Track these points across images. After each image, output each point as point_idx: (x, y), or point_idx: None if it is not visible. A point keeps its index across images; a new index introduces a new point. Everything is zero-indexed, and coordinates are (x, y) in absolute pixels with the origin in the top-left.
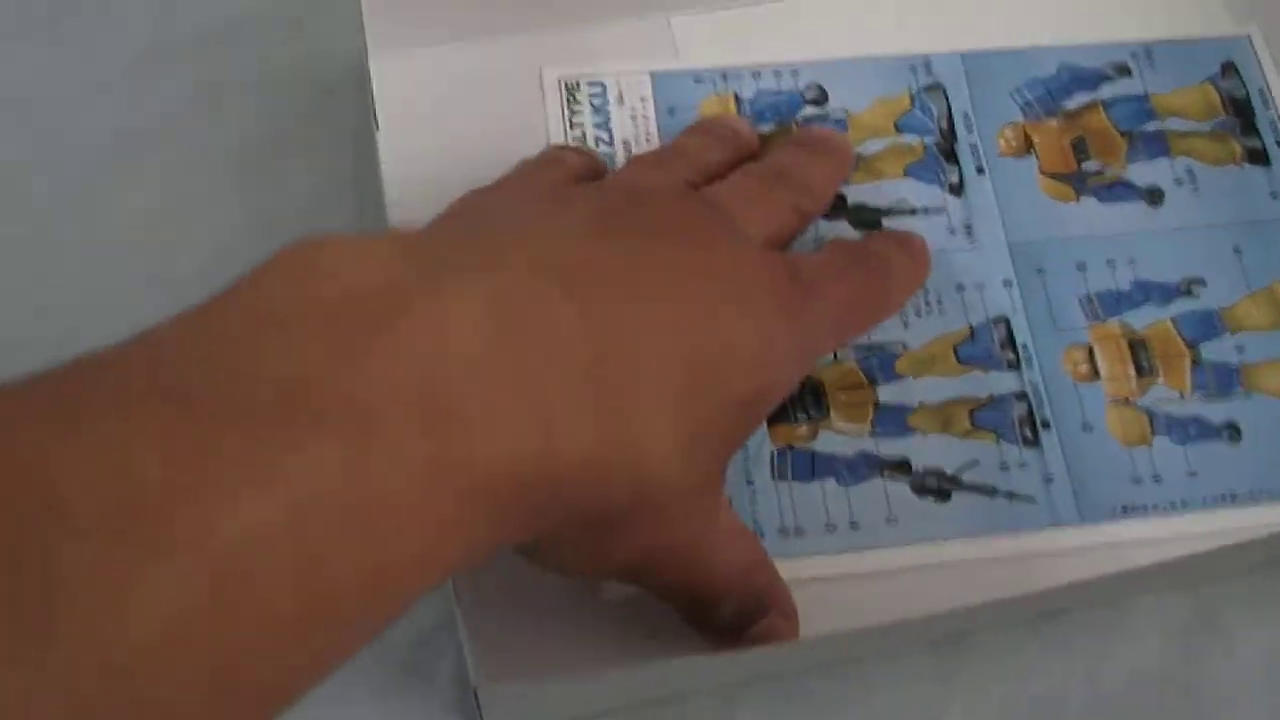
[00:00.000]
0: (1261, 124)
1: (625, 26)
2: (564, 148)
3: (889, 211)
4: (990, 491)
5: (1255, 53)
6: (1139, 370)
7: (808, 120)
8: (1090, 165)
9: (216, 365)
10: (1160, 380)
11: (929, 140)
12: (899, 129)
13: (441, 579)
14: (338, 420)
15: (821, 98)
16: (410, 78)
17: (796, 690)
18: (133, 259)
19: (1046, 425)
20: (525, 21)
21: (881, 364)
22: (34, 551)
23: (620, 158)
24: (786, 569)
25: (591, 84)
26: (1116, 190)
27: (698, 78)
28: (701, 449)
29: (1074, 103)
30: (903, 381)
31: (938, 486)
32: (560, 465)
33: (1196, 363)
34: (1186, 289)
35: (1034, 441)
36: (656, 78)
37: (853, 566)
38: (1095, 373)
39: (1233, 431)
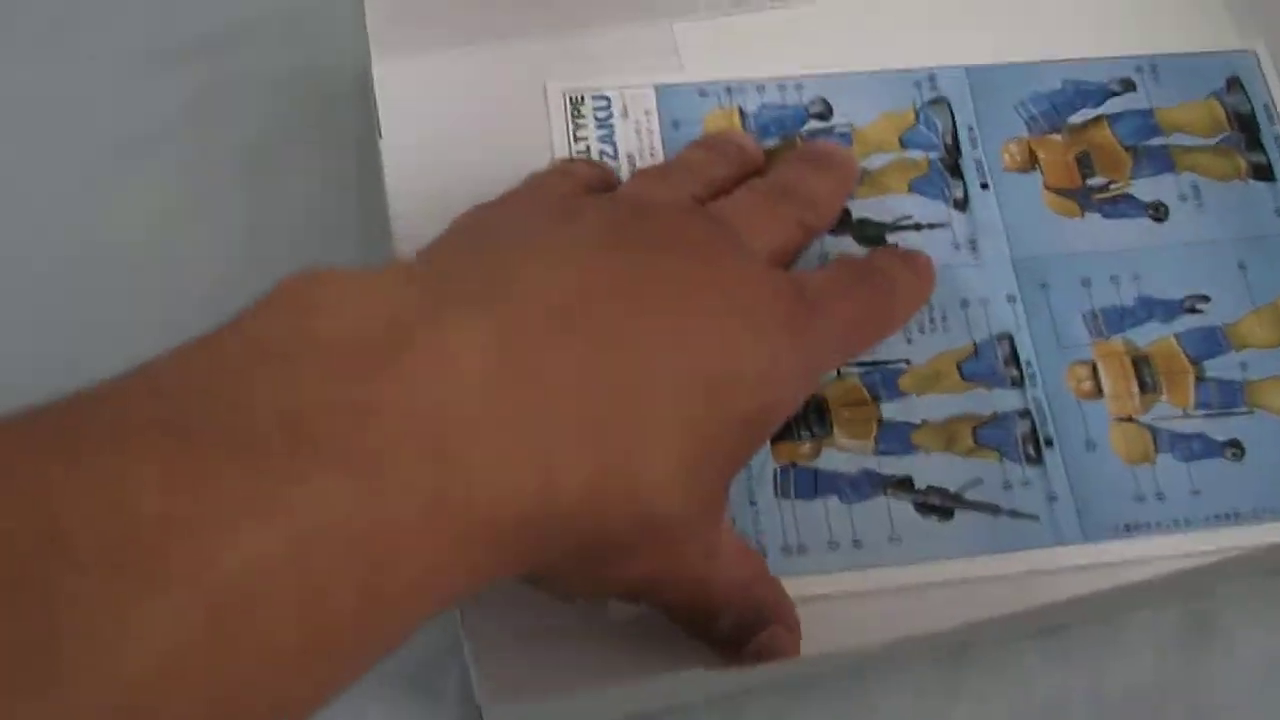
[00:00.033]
0: (1267, 139)
1: (629, 32)
2: (573, 160)
3: (893, 227)
4: (993, 510)
5: (1260, 68)
6: (1142, 387)
7: (812, 134)
8: (1095, 181)
9: (217, 397)
10: (1164, 398)
11: (933, 155)
12: (903, 144)
13: (441, 610)
14: (340, 453)
15: (826, 111)
16: (413, 84)
17: (800, 701)
18: (134, 264)
19: (1049, 443)
20: (529, 27)
21: (885, 380)
22: (35, 585)
23: (625, 171)
24: (789, 587)
25: (596, 97)
26: (1121, 206)
27: (702, 91)
28: (704, 473)
29: (1079, 118)
30: (906, 399)
31: (940, 505)
32: (561, 501)
33: (1200, 379)
34: (1191, 306)
35: (1037, 459)
36: (661, 91)
37: (855, 585)
38: (1099, 390)
39: (1236, 449)
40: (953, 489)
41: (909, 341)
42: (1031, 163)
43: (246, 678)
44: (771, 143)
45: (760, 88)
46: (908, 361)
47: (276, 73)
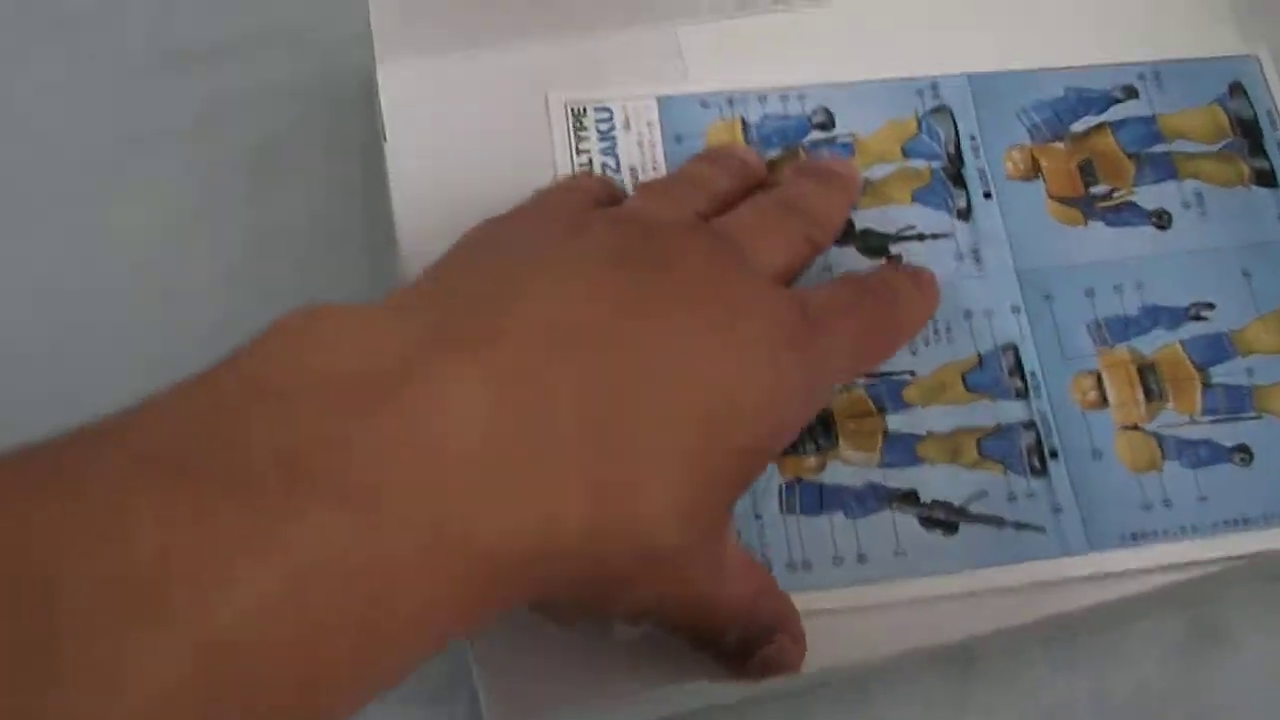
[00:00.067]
0: (1269, 145)
1: (633, 36)
2: (580, 175)
3: (896, 237)
4: (998, 523)
5: (1263, 73)
6: (1148, 395)
7: (815, 145)
8: (1098, 189)
9: (213, 435)
10: (1170, 405)
11: (936, 165)
12: (906, 153)
13: (440, 648)
14: (337, 490)
15: (829, 122)
16: (418, 89)
17: (806, 703)
18: (137, 270)
19: (1054, 455)
20: (533, 31)
21: (890, 392)
22: (30, 629)
23: (628, 184)
24: (795, 603)
25: (598, 109)
26: (1124, 214)
27: (704, 102)
28: (706, 503)
29: (1081, 125)
30: (911, 410)
31: (945, 519)
32: (560, 537)
33: (1207, 386)
34: (1195, 313)
35: (1042, 471)
36: (663, 103)
37: (860, 599)
38: (1104, 400)
39: (1244, 454)
40: (957, 502)
41: (914, 353)
42: (1034, 171)
43: (242, 717)
44: (774, 153)
45: (762, 98)
46: (912, 373)
47: (282, 79)
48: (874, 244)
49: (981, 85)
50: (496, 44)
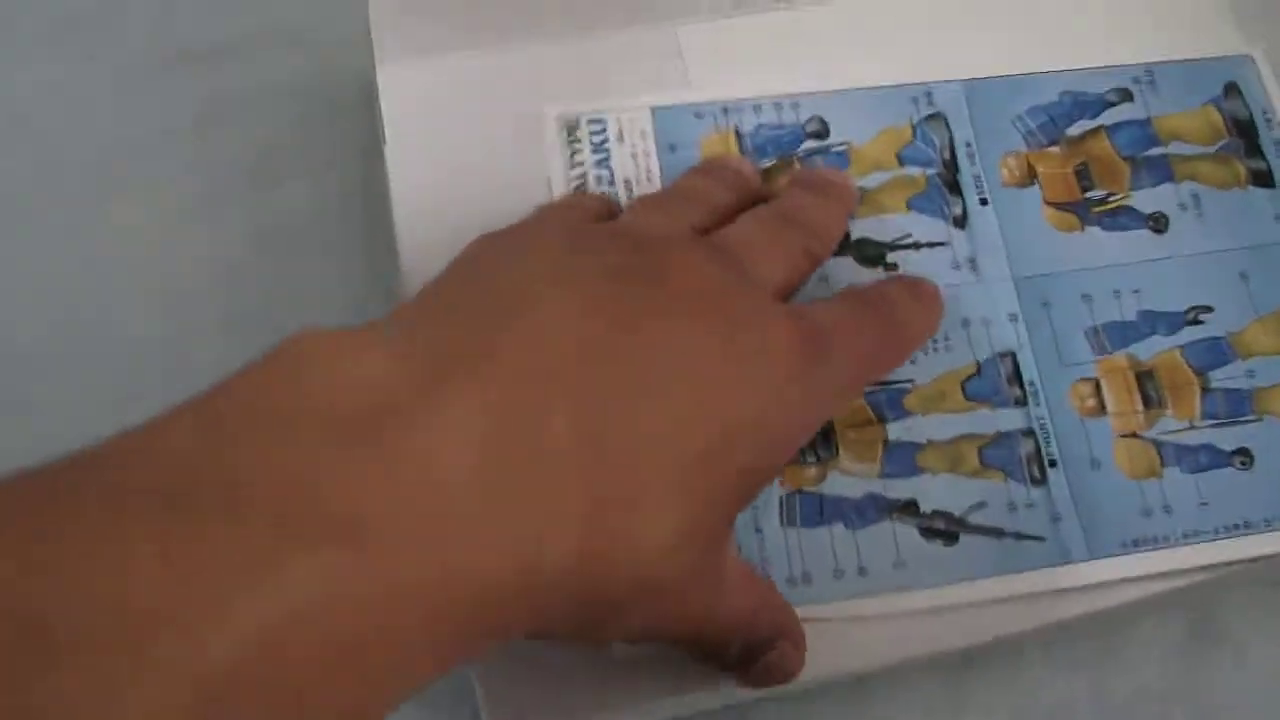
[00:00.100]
0: (1266, 145)
1: (632, 35)
2: (579, 194)
3: (893, 246)
4: (998, 533)
5: (1259, 73)
6: (1146, 402)
7: (809, 154)
8: (1094, 193)
9: (206, 468)
10: (1169, 412)
11: (931, 172)
12: (901, 161)
13: (425, 685)
14: (325, 529)
15: (823, 130)
16: (417, 89)
17: (806, 707)
18: (136, 272)
19: (1054, 463)
20: (533, 31)
21: (890, 401)
22: (20, 664)
23: (622, 195)
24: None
25: (592, 121)
26: (1121, 218)
27: (698, 112)
28: (704, 523)
29: (1076, 129)
30: (911, 418)
31: (945, 529)
32: (548, 572)
33: (1206, 390)
34: (1193, 317)
35: (1041, 480)
36: (657, 113)
37: (860, 611)
38: (1102, 407)
39: (1245, 457)
40: (957, 513)
41: (913, 362)
42: (1030, 177)
43: None
44: (768, 163)
45: (756, 107)
46: (912, 381)
47: (282, 80)
48: (870, 253)
49: (976, 91)
50: (496, 44)
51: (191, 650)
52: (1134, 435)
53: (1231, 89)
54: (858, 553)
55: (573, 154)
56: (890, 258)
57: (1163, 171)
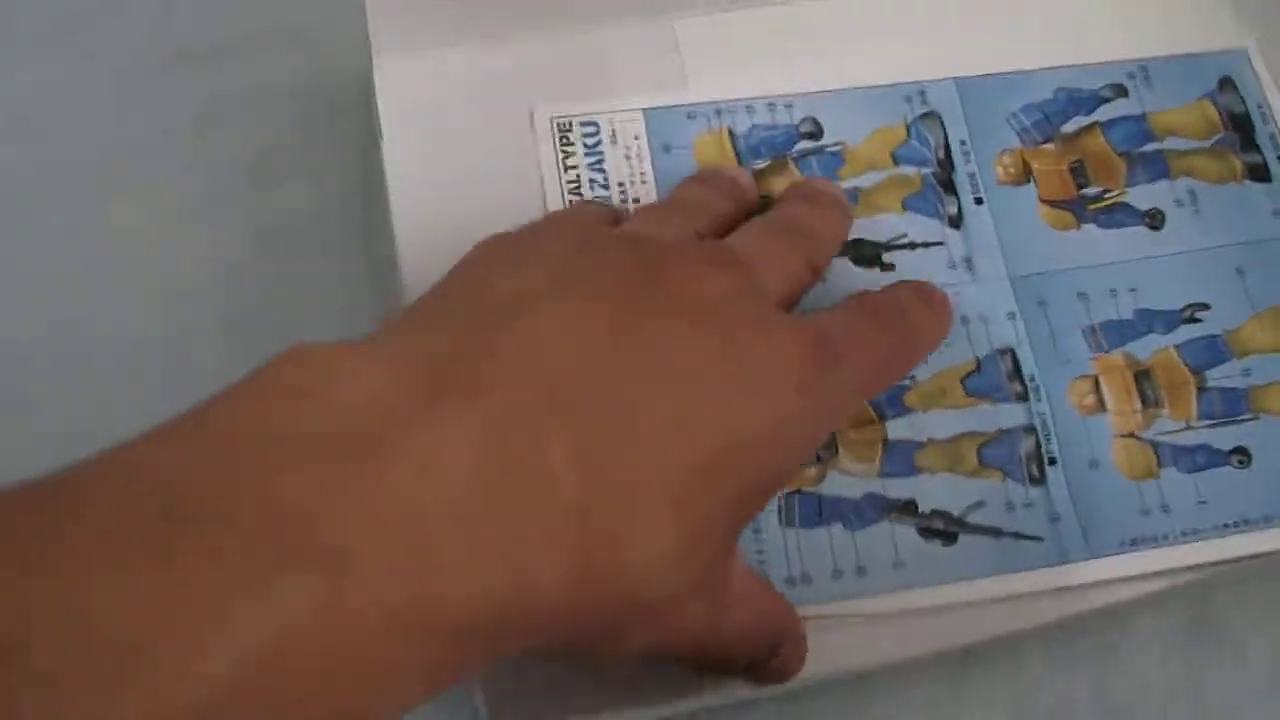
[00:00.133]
0: (1261, 139)
1: (629, 29)
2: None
3: (889, 246)
4: (996, 533)
5: (1252, 66)
6: (1144, 402)
7: (803, 155)
8: (1090, 190)
9: (193, 492)
10: (1165, 412)
11: (926, 171)
12: (896, 160)
13: (418, 704)
14: (309, 557)
15: (817, 131)
16: (414, 84)
17: (805, 704)
18: (134, 269)
19: (1053, 461)
20: (531, 25)
21: (890, 399)
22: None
23: (616, 198)
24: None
25: (584, 124)
26: (1117, 215)
27: (691, 113)
28: (703, 543)
29: (1071, 126)
30: (912, 415)
31: (944, 529)
32: (543, 597)
33: (1202, 389)
34: (1190, 315)
35: (1040, 480)
36: (649, 115)
37: (859, 610)
38: (1101, 405)
39: (1242, 455)
40: (956, 513)
41: None
42: (1025, 175)
43: None
44: (762, 164)
45: (750, 108)
46: (913, 378)
47: (282, 81)
48: (866, 254)
49: (970, 89)
50: (494, 39)
51: (175, 677)
52: (1132, 435)
53: (1226, 83)
54: (856, 553)
55: (566, 157)
56: (886, 258)
57: (1158, 167)
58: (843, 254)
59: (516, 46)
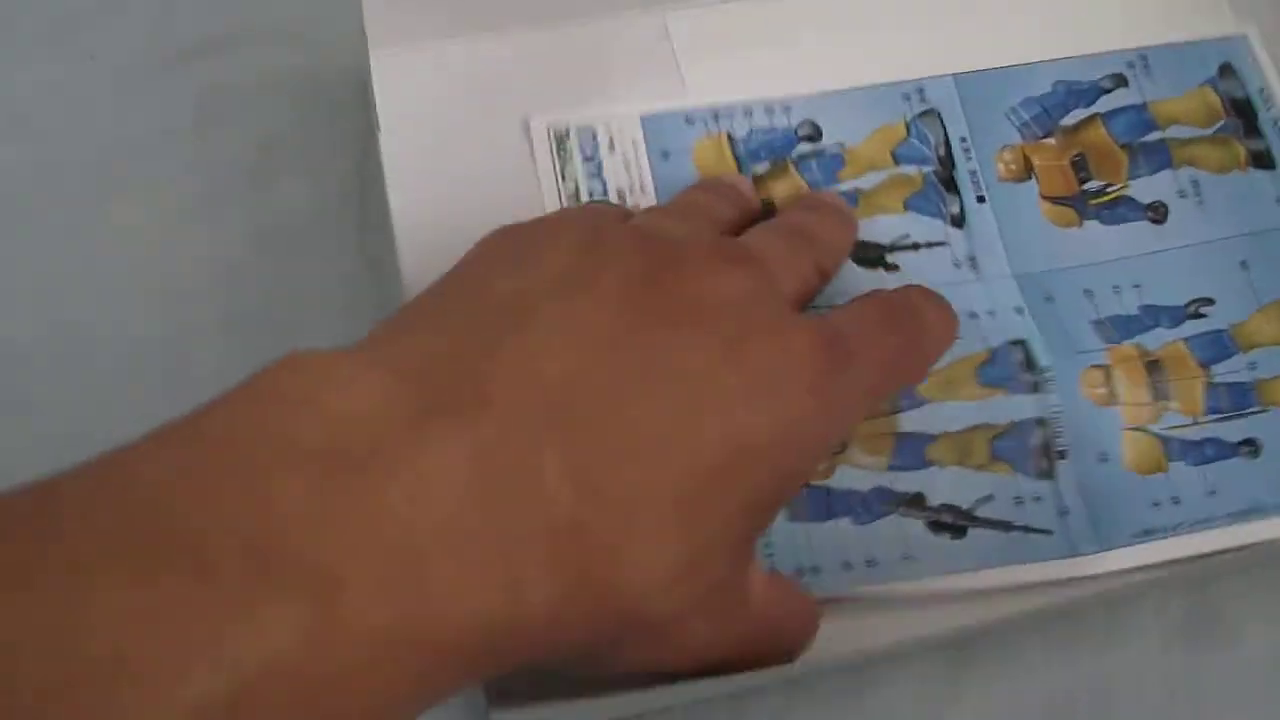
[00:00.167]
0: (1264, 124)
1: (624, 21)
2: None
3: (891, 247)
4: (1006, 527)
5: (1253, 52)
6: (1154, 394)
7: (802, 157)
8: (1092, 185)
9: (178, 512)
10: (1174, 406)
11: (927, 170)
12: (896, 160)
13: None
14: (295, 582)
15: (815, 134)
16: (411, 76)
17: (805, 692)
18: (134, 269)
19: (1063, 455)
20: (525, 17)
21: (903, 390)
22: None
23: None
24: None
25: (581, 131)
26: (1119, 210)
27: (689, 118)
28: (711, 552)
29: (1072, 119)
30: (925, 407)
31: (953, 523)
32: (535, 616)
33: (1210, 384)
34: (1195, 310)
35: (1049, 473)
36: (646, 121)
37: (868, 594)
38: (1113, 395)
39: (1251, 447)
40: (964, 506)
41: None
42: (1027, 171)
43: None
44: (762, 167)
45: (748, 112)
46: None
47: (282, 79)
48: (870, 255)
49: (968, 86)
50: (489, 30)
51: (155, 707)
52: (1141, 429)
53: (1227, 70)
54: (865, 546)
55: (563, 165)
56: (890, 259)
57: (1161, 157)
58: None
59: (513, 38)
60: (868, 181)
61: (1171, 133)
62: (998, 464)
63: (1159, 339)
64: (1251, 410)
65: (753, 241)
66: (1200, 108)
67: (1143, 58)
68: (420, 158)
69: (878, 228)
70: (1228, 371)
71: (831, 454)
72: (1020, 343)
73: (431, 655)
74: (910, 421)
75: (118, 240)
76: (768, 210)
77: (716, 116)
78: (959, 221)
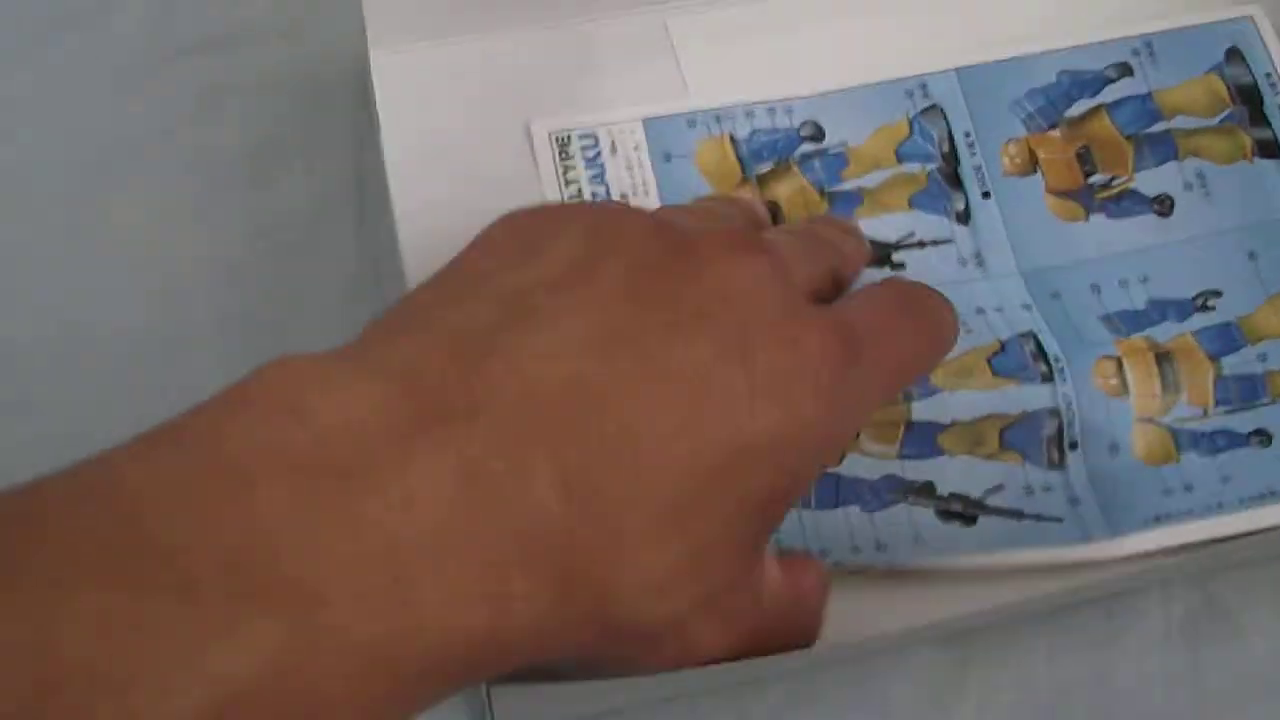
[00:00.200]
0: (1270, 110)
1: (623, 24)
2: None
3: (897, 246)
4: (1017, 515)
5: (1260, 35)
6: (1164, 386)
7: (806, 157)
8: (1097, 178)
9: (159, 529)
10: (1184, 398)
11: (931, 167)
12: (900, 158)
13: None
14: (275, 597)
15: (818, 134)
16: (411, 75)
17: (808, 686)
18: (133, 265)
19: (1074, 446)
20: (525, 17)
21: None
22: None
23: None
24: None
25: (583, 136)
26: (1125, 203)
27: (691, 121)
28: (713, 560)
29: (1076, 110)
30: (937, 396)
31: (963, 511)
32: (519, 632)
33: (1220, 377)
34: (1203, 303)
35: (1059, 464)
36: (649, 124)
37: (879, 569)
38: (1124, 386)
39: (1262, 437)
40: (975, 495)
41: None
42: (1032, 165)
43: None
44: (766, 167)
45: (750, 113)
46: None
47: (278, 75)
48: (877, 253)
49: (971, 79)
50: (489, 28)
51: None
52: (1150, 420)
53: (1233, 54)
54: (874, 531)
55: (566, 170)
56: (896, 257)
57: (1166, 149)
58: None
59: (513, 36)
60: (871, 180)
61: (1177, 123)
62: (1008, 453)
63: (1167, 332)
64: (1262, 402)
65: (769, 236)
66: (1206, 96)
67: (1148, 44)
68: (422, 156)
69: (883, 226)
70: (1237, 363)
71: (843, 446)
72: (1030, 335)
73: (415, 669)
74: (922, 410)
75: (117, 240)
76: (774, 216)
77: (719, 118)
78: (964, 218)
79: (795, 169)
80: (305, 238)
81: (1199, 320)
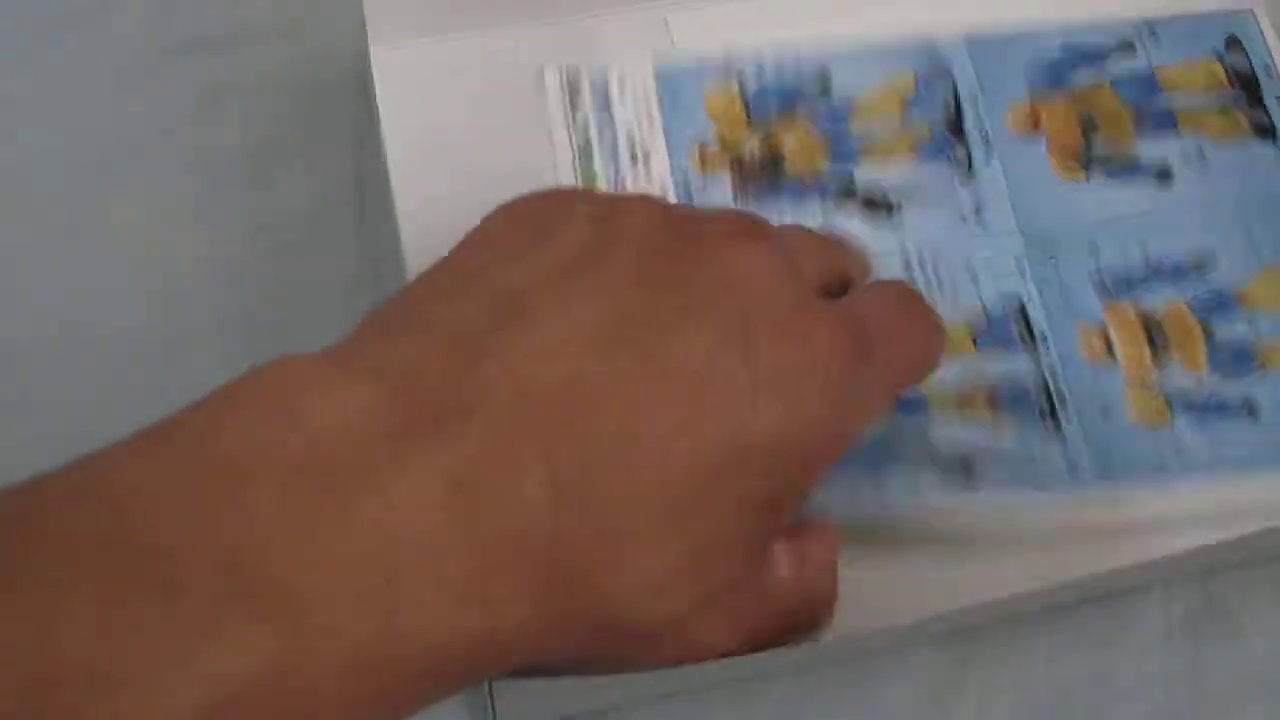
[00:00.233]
0: (1268, 98)
1: (624, 17)
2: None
3: (899, 197)
4: (1013, 476)
5: (1260, 27)
6: (1154, 349)
7: (813, 107)
8: (1098, 144)
9: (149, 533)
10: (1174, 364)
11: (936, 121)
12: (906, 111)
13: None
14: (265, 601)
15: (826, 84)
16: (411, 70)
17: (810, 683)
18: (133, 265)
19: (1064, 407)
20: (526, 11)
21: None
22: None
23: (625, 152)
24: None
25: (593, 80)
26: (1125, 170)
27: (700, 69)
28: (714, 559)
29: (1080, 80)
30: None
31: (960, 467)
32: (513, 634)
33: (1211, 344)
34: (1197, 270)
35: (1055, 427)
36: (659, 70)
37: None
38: (1111, 354)
39: (1252, 408)
40: (972, 456)
41: None
42: (1035, 126)
43: None
44: (773, 117)
45: (759, 64)
46: None
47: (278, 74)
48: (877, 199)
49: (978, 44)
50: (489, 24)
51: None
52: (1143, 384)
53: (1233, 43)
54: (877, 494)
55: (574, 110)
56: (893, 197)
57: (1166, 122)
58: (852, 195)
59: (513, 32)
60: (876, 131)
61: (1177, 100)
62: (1001, 417)
63: (1161, 297)
64: (1251, 372)
65: (780, 229)
66: (1205, 78)
67: (1150, 26)
68: (423, 153)
69: (885, 177)
70: (1229, 331)
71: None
72: (1018, 305)
73: (412, 670)
74: None
75: (117, 240)
76: (779, 164)
77: (728, 66)
78: (967, 174)
79: (802, 118)
80: (305, 237)
81: (1193, 287)
